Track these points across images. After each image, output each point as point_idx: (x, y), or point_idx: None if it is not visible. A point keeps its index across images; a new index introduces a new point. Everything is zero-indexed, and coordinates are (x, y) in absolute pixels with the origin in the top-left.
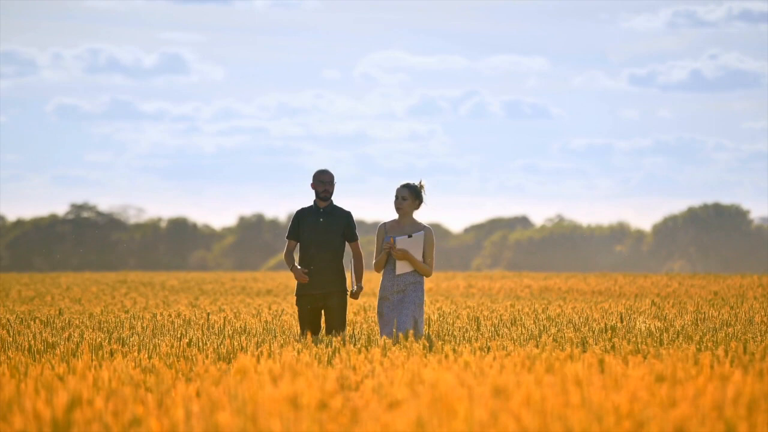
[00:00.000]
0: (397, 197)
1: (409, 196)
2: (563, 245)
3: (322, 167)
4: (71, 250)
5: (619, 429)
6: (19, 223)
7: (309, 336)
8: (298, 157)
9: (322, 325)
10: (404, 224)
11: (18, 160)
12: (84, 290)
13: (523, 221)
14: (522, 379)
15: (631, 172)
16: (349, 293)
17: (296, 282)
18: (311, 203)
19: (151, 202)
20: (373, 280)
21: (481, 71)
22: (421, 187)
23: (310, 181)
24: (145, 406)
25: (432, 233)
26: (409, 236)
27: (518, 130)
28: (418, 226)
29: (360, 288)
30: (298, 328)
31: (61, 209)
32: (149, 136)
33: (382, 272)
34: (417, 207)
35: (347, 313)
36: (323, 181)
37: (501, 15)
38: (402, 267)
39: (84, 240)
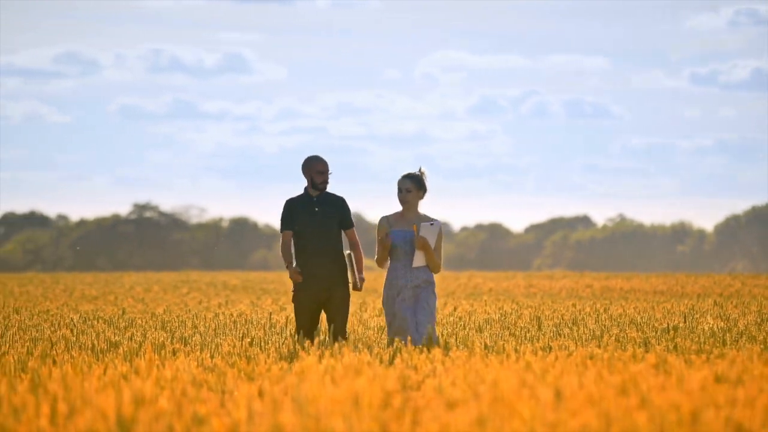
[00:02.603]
0: (400, 190)
1: (413, 187)
2: (624, 245)
3: (315, 155)
4: (134, 250)
5: (681, 430)
6: (83, 223)
7: (303, 334)
8: (359, 157)
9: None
10: (410, 217)
11: (81, 160)
12: (146, 290)
13: (584, 221)
14: (583, 380)
15: (692, 171)
16: (351, 285)
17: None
18: (301, 192)
19: (213, 202)
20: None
21: (541, 71)
22: (422, 174)
23: (307, 168)
24: (208, 405)
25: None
26: (431, 224)
27: (579, 130)
28: (426, 218)
29: (362, 279)
30: (294, 325)
31: (123, 209)
32: (211, 136)
33: (387, 266)
34: (422, 197)
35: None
36: (322, 171)
37: (561, 14)
38: (419, 259)
39: (146, 240)
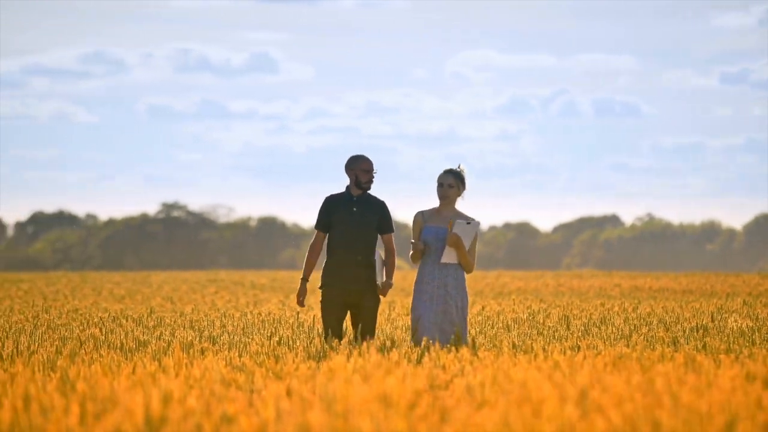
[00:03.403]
0: (441, 185)
1: (455, 182)
2: (653, 244)
3: (360, 154)
4: (162, 249)
5: (710, 429)
6: (111, 223)
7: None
8: (388, 156)
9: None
10: (446, 214)
11: (109, 160)
12: (175, 289)
13: (612, 220)
14: (612, 379)
15: (722, 170)
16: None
17: (323, 272)
18: (342, 190)
19: (241, 201)
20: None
21: (571, 70)
22: (462, 171)
23: (351, 166)
24: (236, 404)
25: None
26: (468, 222)
27: (608, 129)
28: (463, 216)
29: (389, 284)
30: (321, 326)
31: (151, 208)
32: (239, 136)
33: (418, 264)
34: (460, 195)
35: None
36: (367, 170)
37: (590, 14)
38: (449, 256)
39: (174, 239)
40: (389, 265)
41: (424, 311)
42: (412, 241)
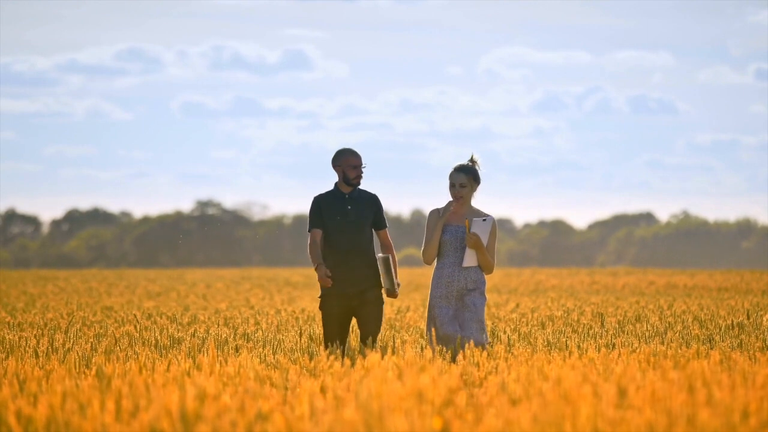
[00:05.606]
0: (453, 185)
1: (468, 181)
2: (688, 242)
3: (347, 146)
4: (197, 247)
5: (746, 428)
6: (146, 220)
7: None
8: (421, 154)
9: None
10: (462, 212)
11: (144, 157)
12: (209, 286)
13: (647, 217)
14: (647, 377)
15: (758, 167)
16: (384, 290)
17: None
18: (331, 188)
19: (275, 199)
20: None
21: (605, 67)
22: (474, 163)
23: (338, 162)
24: (271, 401)
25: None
26: (484, 219)
27: (643, 126)
28: (480, 213)
29: (398, 284)
30: (322, 335)
31: (186, 206)
32: (273, 133)
33: (433, 264)
34: (474, 192)
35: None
36: (355, 165)
37: (624, 10)
38: (470, 258)
39: (209, 236)
40: (393, 263)
41: (438, 316)
42: (428, 229)
